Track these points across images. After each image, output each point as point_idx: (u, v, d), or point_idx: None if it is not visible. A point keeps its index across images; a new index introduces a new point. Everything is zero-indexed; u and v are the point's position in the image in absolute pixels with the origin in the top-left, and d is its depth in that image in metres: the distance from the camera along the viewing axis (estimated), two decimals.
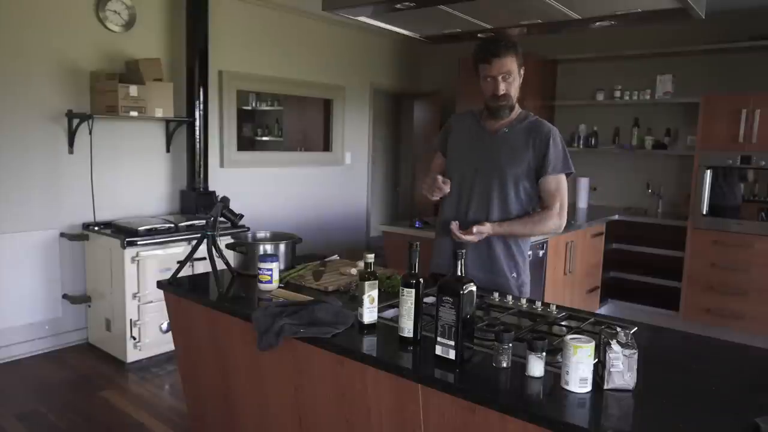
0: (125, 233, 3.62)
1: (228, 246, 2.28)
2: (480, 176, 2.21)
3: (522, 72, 2.18)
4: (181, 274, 2.21)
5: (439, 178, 2.18)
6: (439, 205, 2.37)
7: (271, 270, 2.04)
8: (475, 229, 2.09)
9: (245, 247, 2.28)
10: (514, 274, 2.24)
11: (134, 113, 3.73)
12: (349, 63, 5.80)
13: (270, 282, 2.04)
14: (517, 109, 2.24)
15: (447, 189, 2.19)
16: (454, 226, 2.14)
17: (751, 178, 4.34)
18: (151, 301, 3.63)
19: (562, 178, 2.19)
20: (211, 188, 4.43)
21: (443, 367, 1.44)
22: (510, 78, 2.13)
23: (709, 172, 4.41)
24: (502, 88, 2.12)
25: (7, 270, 3.63)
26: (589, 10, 1.91)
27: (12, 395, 3.22)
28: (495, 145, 2.21)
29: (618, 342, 1.32)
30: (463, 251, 1.48)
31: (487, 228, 2.12)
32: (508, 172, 2.17)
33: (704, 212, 4.44)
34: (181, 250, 3.72)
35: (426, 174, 2.39)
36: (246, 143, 6.61)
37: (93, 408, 3.09)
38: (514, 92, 2.16)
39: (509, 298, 1.98)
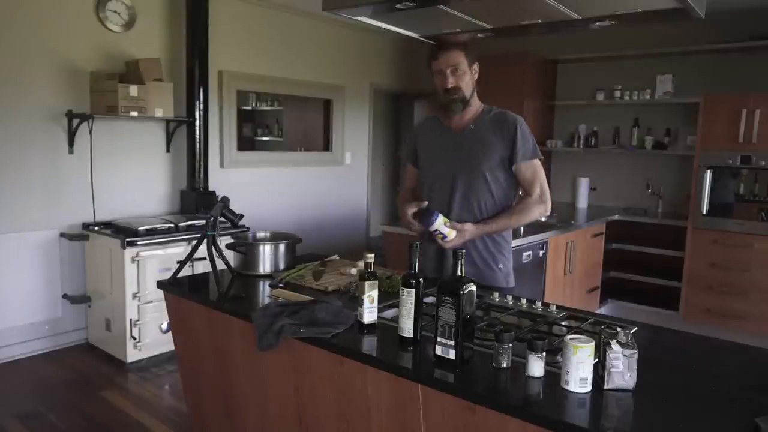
0: (125, 233, 3.62)
1: (228, 246, 2.28)
2: (457, 177, 2.22)
3: (476, 68, 2.19)
4: (181, 274, 2.21)
5: (409, 214, 2.22)
6: (420, 212, 2.34)
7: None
8: (454, 233, 2.12)
9: (245, 247, 2.28)
10: (501, 266, 2.27)
11: (134, 113, 3.73)
12: (349, 63, 5.80)
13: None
14: (479, 105, 2.25)
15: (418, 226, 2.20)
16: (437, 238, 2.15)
17: (752, 178, 4.34)
18: (151, 301, 3.63)
19: (536, 163, 2.21)
20: (211, 188, 4.43)
21: (443, 367, 1.44)
22: (459, 71, 2.14)
23: (709, 172, 4.41)
24: (450, 81, 2.14)
25: (7, 270, 3.63)
26: (589, 10, 1.91)
27: (12, 395, 3.22)
28: (465, 143, 2.22)
29: (618, 342, 1.32)
30: (463, 251, 1.48)
31: (468, 227, 2.14)
32: (482, 167, 2.19)
33: (704, 212, 4.44)
34: (181, 250, 3.72)
35: (402, 203, 2.36)
36: (246, 143, 6.60)
37: (93, 408, 3.09)
38: (465, 86, 2.16)
39: (509, 298, 1.98)
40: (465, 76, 2.16)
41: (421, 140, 2.39)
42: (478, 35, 2.20)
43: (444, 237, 2.13)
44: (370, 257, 1.71)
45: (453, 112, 2.20)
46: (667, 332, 1.80)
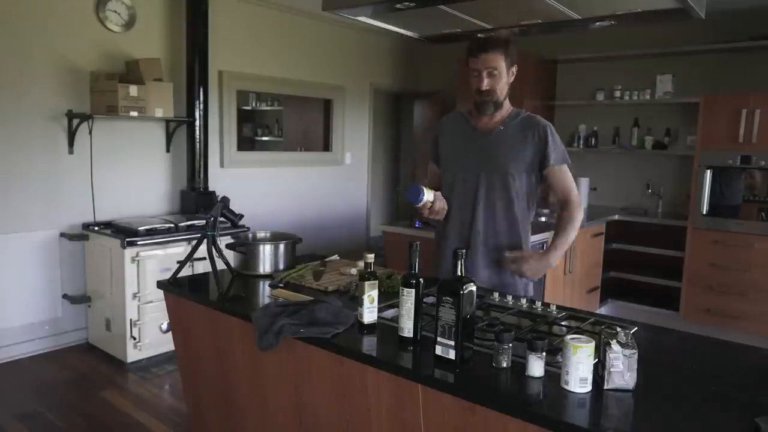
0: (125, 233, 3.62)
1: (228, 246, 2.28)
2: (482, 179, 2.18)
3: (513, 70, 2.15)
4: (181, 274, 2.21)
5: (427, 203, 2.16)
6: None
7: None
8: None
9: (245, 247, 2.28)
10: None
11: (134, 113, 3.73)
12: (349, 63, 5.81)
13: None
14: (509, 107, 2.22)
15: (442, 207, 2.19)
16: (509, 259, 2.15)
17: (751, 178, 4.34)
18: (151, 301, 3.63)
19: (567, 169, 2.19)
20: (211, 188, 4.43)
21: (443, 367, 1.44)
22: (496, 73, 2.10)
23: (709, 172, 4.41)
24: (485, 84, 2.10)
25: (7, 270, 3.63)
26: (589, 10, 1.92)
27: (12, 395, 3.22)
28: (492, 145, 2.19)
29: (618, 342, 1.32)
30: (463, 251, 1.48)
31: (532, 257, 2.15)
32: (510, 170, 2.15)
33: (704, 212, 4.44)
34: (181, 250, 3.72)
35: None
36: (246, 143, 6.61)
37: (93, 408, 3.09)
38: (500, 89, 2.13)
39: (509, 298, 1.98)
40: (501, 79, 2.11)
41: (444, 137, 2.34)
42: (478, 35, 2.20)
43: (423, 202, 2.12)
44: (370, 257, 1.71)
45: (484, 112, 2.17)
46: (667, 332, 1.80)
